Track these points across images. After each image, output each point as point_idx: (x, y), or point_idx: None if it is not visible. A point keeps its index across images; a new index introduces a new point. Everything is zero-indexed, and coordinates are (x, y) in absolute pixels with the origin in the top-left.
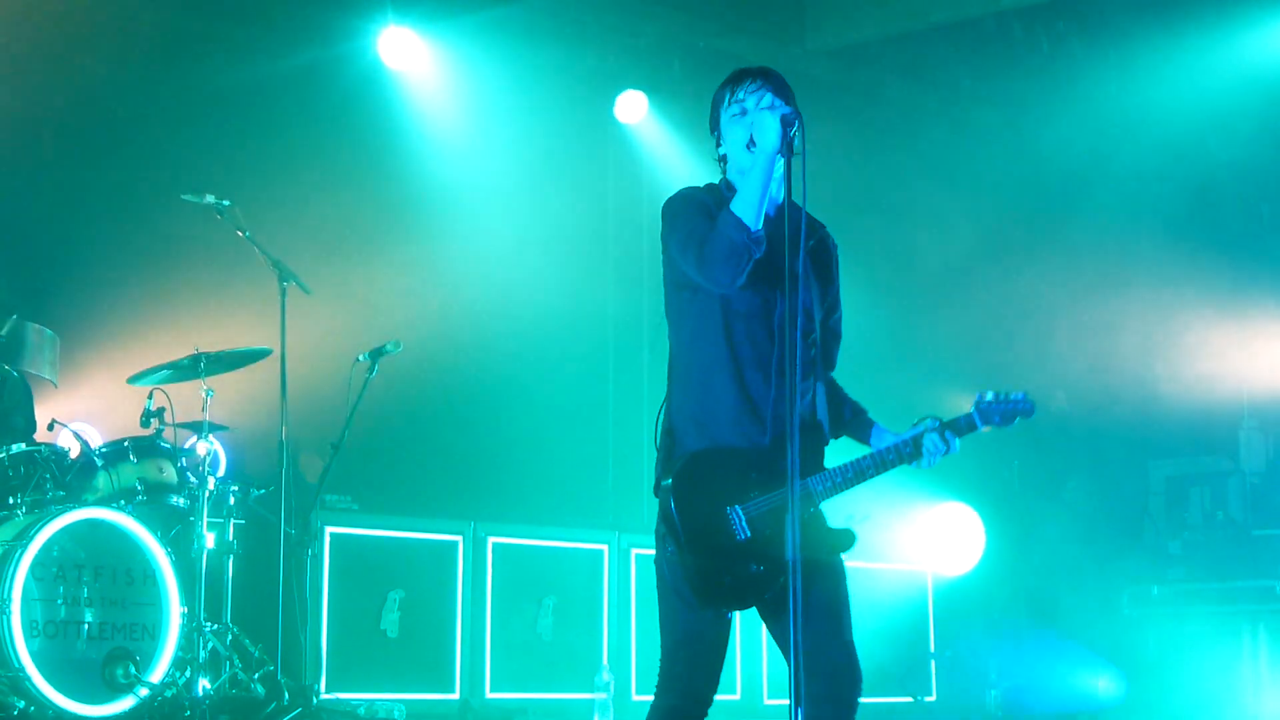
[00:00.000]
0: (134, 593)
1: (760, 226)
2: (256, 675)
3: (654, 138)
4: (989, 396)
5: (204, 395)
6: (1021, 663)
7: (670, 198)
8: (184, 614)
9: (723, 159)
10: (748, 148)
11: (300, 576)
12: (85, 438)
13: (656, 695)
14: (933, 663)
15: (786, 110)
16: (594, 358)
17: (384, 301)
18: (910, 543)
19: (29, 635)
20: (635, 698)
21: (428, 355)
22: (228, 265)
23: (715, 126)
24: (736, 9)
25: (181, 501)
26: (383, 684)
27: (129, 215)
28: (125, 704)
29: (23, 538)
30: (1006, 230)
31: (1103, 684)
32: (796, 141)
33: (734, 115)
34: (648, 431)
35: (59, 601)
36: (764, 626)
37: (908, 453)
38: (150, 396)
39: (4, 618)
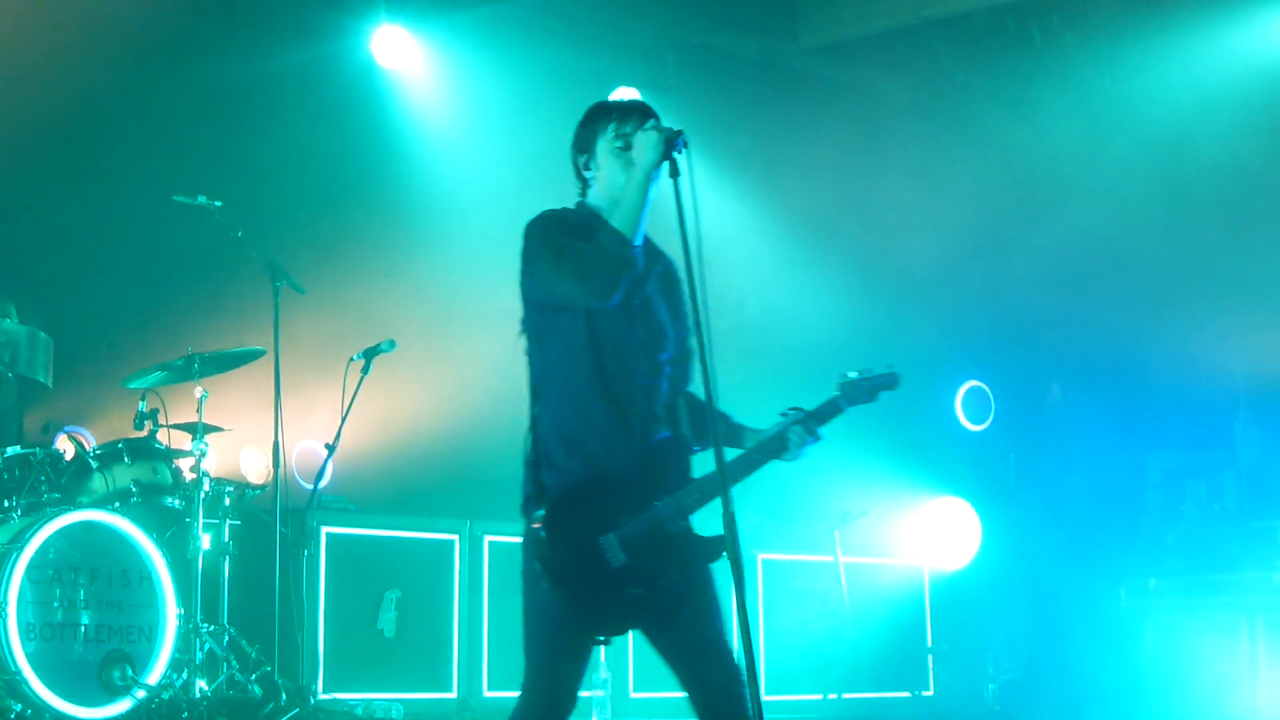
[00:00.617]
0: (130, 595)
1: (640, 243)
2: (254, 676)
3: None
4: (852, 375)
5: (198, 396)
6: (1019, 656)
7: (534, 219)
8: (180, 615)
9: (585, 180)
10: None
11: (297, 577)
12: (80, 440)
13: (521, 701)
14: (930, 657)
15: (671, 131)
16: None
17: (378, 301)
18: (907, 538)
19: (25, 638)
20: (633, 695)
21: (421, 354)
22: (221, 266)
23: (585, 149)
24: (729, 5)
25: (177, 503)
26: (380, 684)
27: (121, 217)
28: (122, 706)
29: (18, 540)
30: (998, 223)
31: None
32: (679, 162)
33: (618, 148)
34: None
35: (55, 604)
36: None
37: (774, 449)
38: (144, 398)
39: (0, 621)
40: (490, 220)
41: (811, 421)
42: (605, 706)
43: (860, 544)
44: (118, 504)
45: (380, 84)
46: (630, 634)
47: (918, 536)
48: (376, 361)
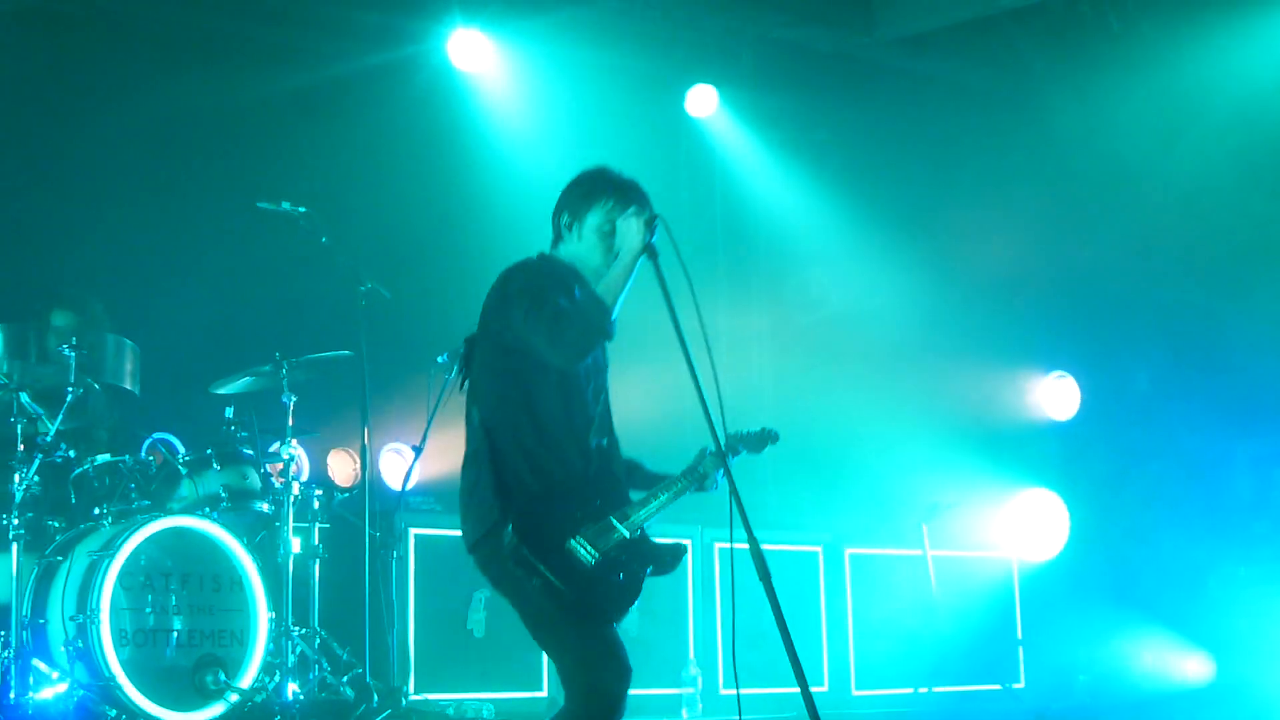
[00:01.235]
0: (221, 599)
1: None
2: (345, 678)
3: (725, 131)
4: (742, 430)
5: (286, 401)
6: (1109, 648)
7: (514, 269)
8: (271, 619)
9: (559, 235)
10: (605, 268)
11: (385, 579)
12: (169, 447)
13: (583, 704)
14: (1020, 650)
15: (650, 215)
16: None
17: (461, 304)
18: (995, 530)
19: (119, 644)
20: (723, 691)
21: None
22: (307, 271)
23: (573, 210)
24: None
25: (266, 507)
26: (471, 684)
27: (207, 224)
28: (215, 710)
29: (110, 548)
30: (1079, 212)
31: (1191, 666)
32: (656, 241)
33: (604, 231)
34: (733, 425)
35: (147, 610)
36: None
37: (697, 477)
38: (232, 404)
39: (94, 627)
40: None
41: (717, 457)
42: (695, 703)
43: (948, 537)
44: (207, 509)
45: (458, 87)
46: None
47: (1006, 529)
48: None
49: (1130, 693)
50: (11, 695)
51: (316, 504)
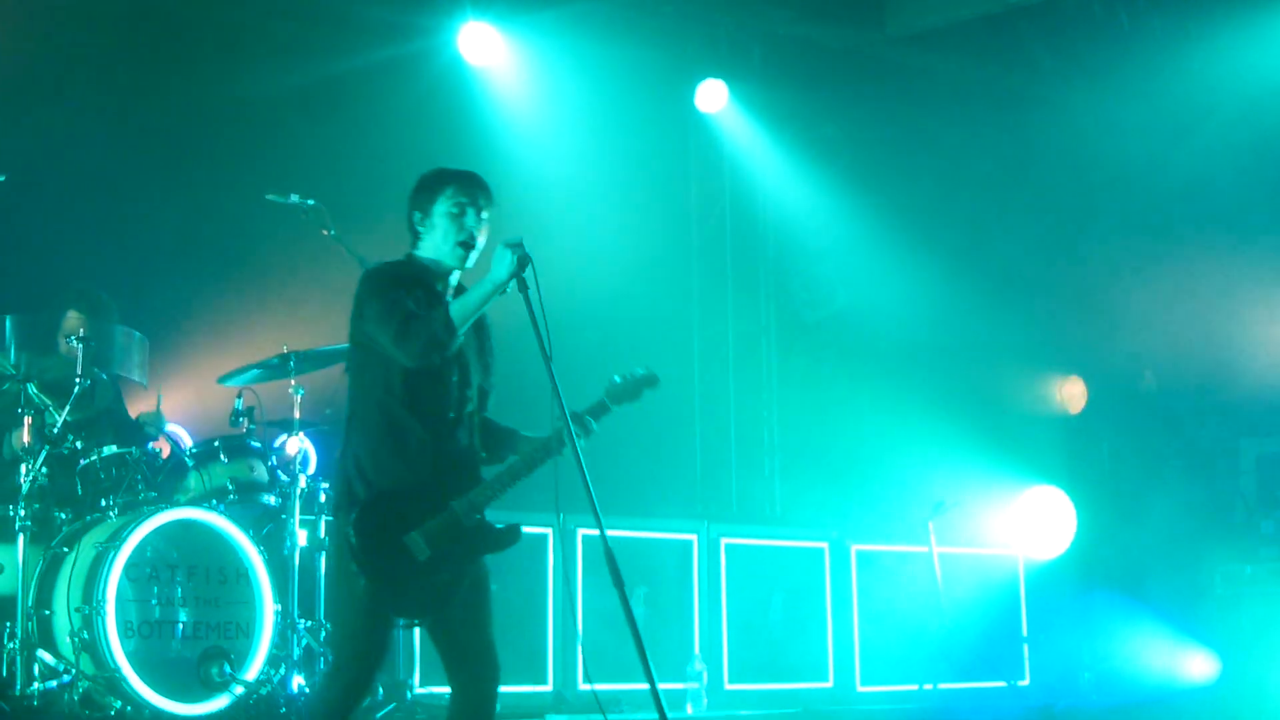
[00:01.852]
0: (227, 591)
1: (463, 335)
2: None
3: (735, 126)
4: (616, 379)
5: (294, 394)
6: (1115, 645)
7: (374, 269)
8: (277, 611)
9: (416, 234)
10: (459, 246)
11: None
12: (176, 438)
13: (335, 675)
14: (1025, 647)
15: (523, 253)
16: (678, 346)
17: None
18: (1001, 527)
19: (124, 636)
20: (728, 686)
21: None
22: (314, 264)
23: (422, 209)
24: None
25: (273, 500)
26: None
27: (215, 216)
28: (221, 702)
29: (116, 539)
30: (1088, 210)
31: (1196, 665)
32: (528, 277)
33: (452, 213)
34: (734, 421)
35: (153, 602)
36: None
37: (554, 446)
38: (240, 396)
39: (99, 619)
40: (578, 212)
41: (583, 419)
42: (700, 698)
43: (954, 534)
44: (214, 502)
45: (468, 81)
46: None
47: (1012, 526)
48: None
49: (1135, 690)
50: (17, 686)
51: (323, 496)
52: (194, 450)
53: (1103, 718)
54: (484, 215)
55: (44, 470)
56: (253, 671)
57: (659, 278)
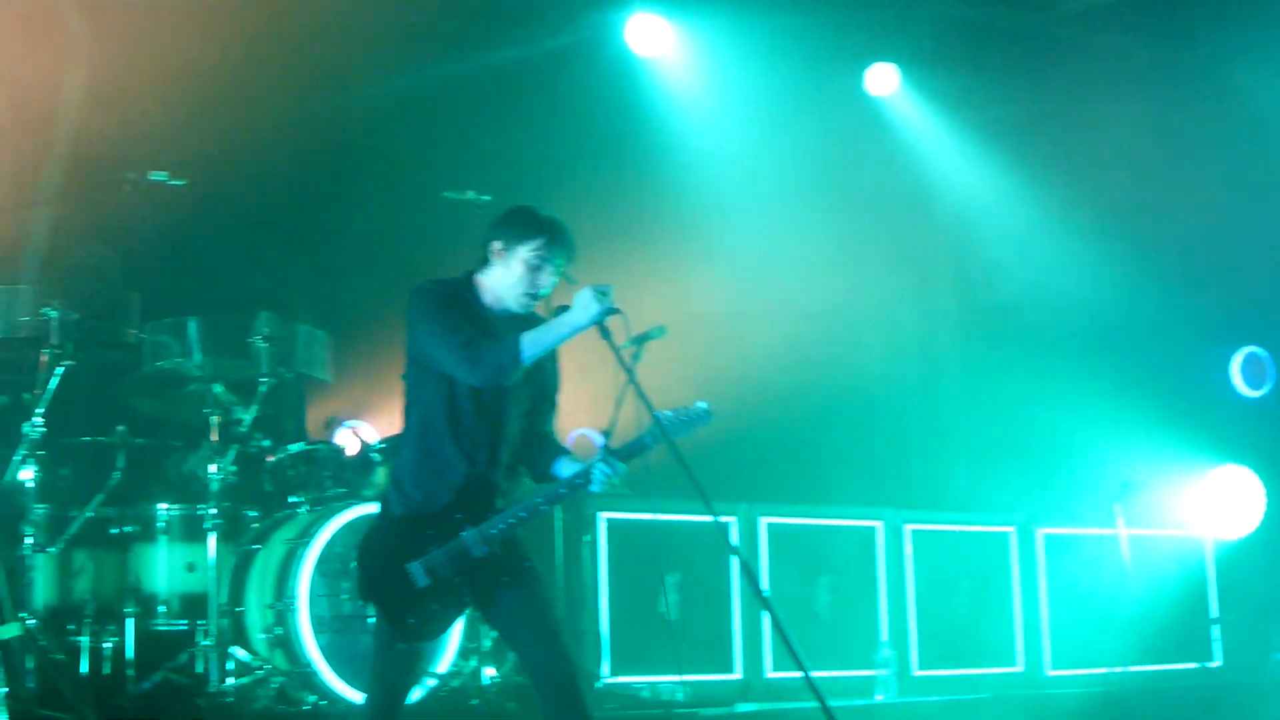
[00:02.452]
0: None
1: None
2: None
3: (907, 110)
4: (667, 414)
5: None
6: None
7: (424, 287)
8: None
9: (486, 258)
10: (526, 296)
11: (578, 563)
12: (362, 435)
13: (367, 696)
14: (1215, 628)
15: (610, 305)
16: (855, 333)
17: (646, 288)
18: (1189, 508)
19: (317, 631)
20: (916, 673)
21: (692, 340)
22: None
23: (504, 239)
24: None
25: None
26: (664, 666)
27: (394, 214)
28: (413, 695)
29: (306, 536)
30: (1266, 185)
31: None
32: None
33: (532, 264)
34: (916, 407)
35: (343, 596)
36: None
37: (579, 484)
38: None
39: (292, 615)
40: (754, 207)
41: (612, 458)
42: (891, 684)
43: (1142, 516)
44: None
45: (638, 72)
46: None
47: (1200, 506)
48: (647, 348)
49: None
50: (212, 683)
51: None
52: (379, 446)
53: None
54: (560, 273)
55: (233, 469)
56: (444, 664)
57: (834, 265)
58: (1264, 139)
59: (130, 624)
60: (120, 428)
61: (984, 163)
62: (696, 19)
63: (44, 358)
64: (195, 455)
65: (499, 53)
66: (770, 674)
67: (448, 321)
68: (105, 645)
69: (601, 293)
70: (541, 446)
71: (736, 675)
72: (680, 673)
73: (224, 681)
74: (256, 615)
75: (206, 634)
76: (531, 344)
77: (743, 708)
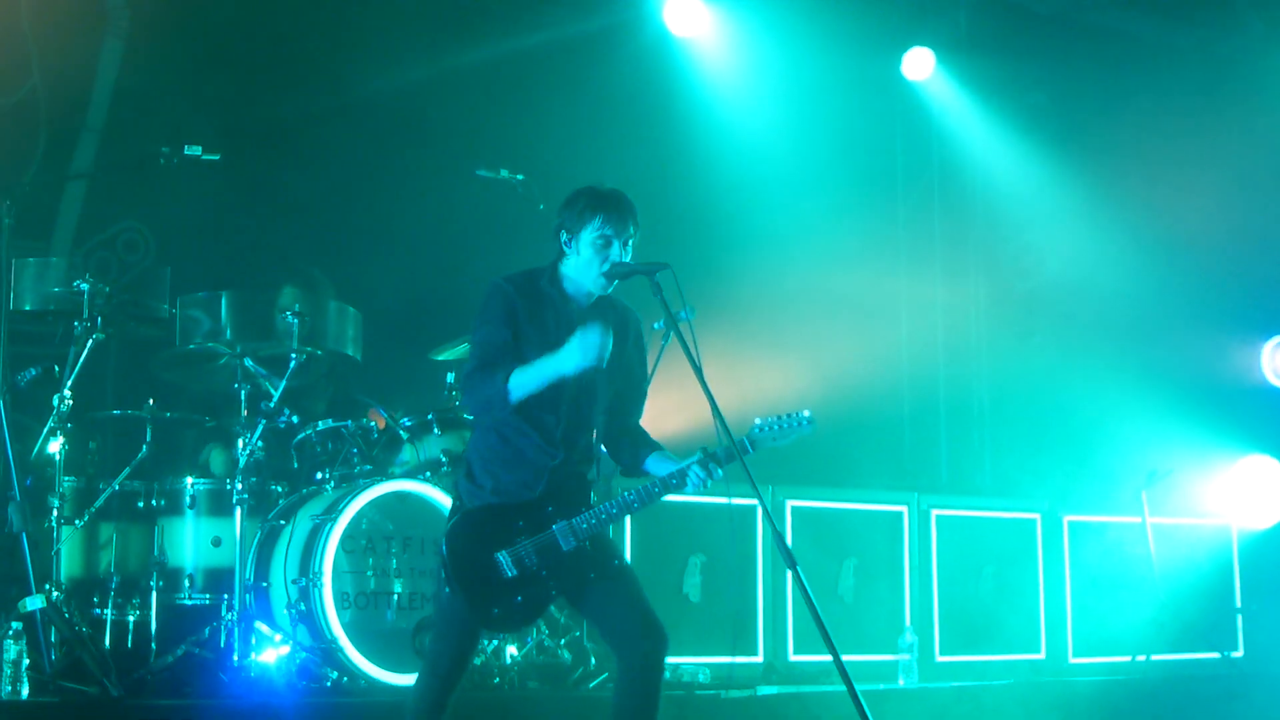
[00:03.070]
0: None
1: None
2: (563, 641)
3: (942, 94)
4: (768, 420)
5: None
6: None
7: (492, 286)
8: None
9: (567, 246)
10: (602, 276)
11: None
12: (389, 412)
13: (427, 669)
14: (1239, 618)
15: (601, 356)
16: (885, 317)
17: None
18: (1214, 496)
19: (340, 607)
20: (940, 658)
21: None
22: (525, 238)
23: (569, 227)
24: None
25: None
26: (686, 648)
27: (426, 192)
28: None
29: (332, 511)
30: None
31: None
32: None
33: (597, 244)
34: (944, 391)
35: (369, 573)
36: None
37: (674, 485)
38: (452, 370)
39: (316, 591)
40: (787, 190)
41: (711, 463)
42: (912, 670)
43: (1168, 504)
44: (428, 474)
45: (674, 52)
46: (933, 595)
47: (1226, 495)
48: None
49: None
50: (235, 657)
51: None
52: (408, 423)
53: None
54: (630, 244)
55: (260, 444)
56: None
57: (866, 248)
58: None
59: (154, 598)
60: (149, 401)
61: (1018, 149)
62: (734, 1)
63: (75, 331)
64: (211, 448)
65: (537, 33)
66: (793, 657)
67: (480, 338)
68: (129, 619)
69: (593, 334)
70: (631, 439)
71: (759, 658)
72: (703, 654)
73: (247, 656)
74: (281, 590)
75: (230, 608)
76: (518, 385)
77: (765, 690)
